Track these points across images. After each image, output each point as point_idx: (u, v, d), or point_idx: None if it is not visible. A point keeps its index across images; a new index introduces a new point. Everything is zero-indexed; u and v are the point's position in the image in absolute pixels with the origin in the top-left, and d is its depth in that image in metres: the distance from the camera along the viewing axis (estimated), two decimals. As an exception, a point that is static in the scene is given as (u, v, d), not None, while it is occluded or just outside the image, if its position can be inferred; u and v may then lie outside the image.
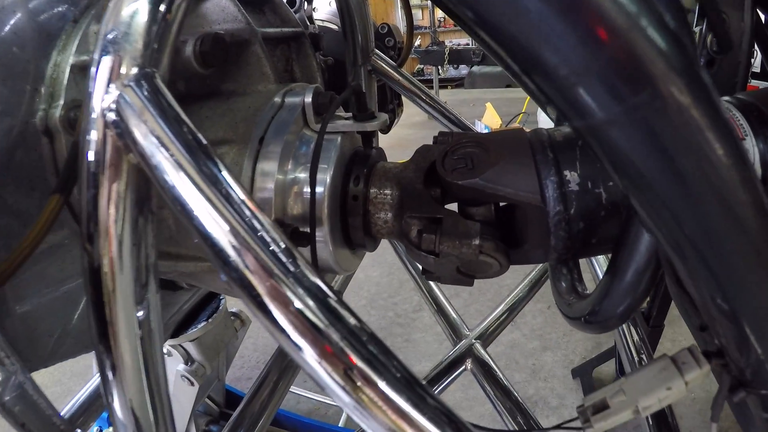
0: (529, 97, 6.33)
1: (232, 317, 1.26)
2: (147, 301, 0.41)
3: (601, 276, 1.03)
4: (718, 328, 0.37)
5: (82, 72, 0.60)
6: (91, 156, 0.37)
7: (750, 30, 1.38)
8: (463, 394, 2.11)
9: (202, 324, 1.09)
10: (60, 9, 0.64)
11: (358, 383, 0.31)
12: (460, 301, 2.61)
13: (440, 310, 1.04)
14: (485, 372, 0.89)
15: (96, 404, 1.02)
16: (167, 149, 0.32)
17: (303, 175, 0.56)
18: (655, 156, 0.23)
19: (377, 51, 0.97)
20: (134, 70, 0.35)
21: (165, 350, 1.23)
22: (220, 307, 1.15)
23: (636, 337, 0.96)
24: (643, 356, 1.04)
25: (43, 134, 0.60)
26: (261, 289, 0.30)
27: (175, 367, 1.21)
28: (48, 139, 0.60)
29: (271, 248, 0.30)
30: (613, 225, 0.57)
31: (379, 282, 2.88)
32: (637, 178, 0.26)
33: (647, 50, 0.19)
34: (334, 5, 1.73)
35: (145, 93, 0.34)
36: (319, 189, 0.55)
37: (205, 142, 0.34)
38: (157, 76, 0.36)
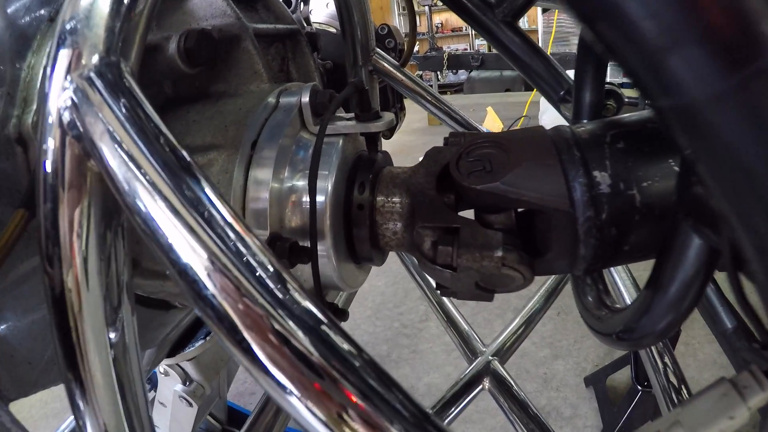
0: (529, 101, 6.29)
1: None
2: (120, 322, 0.35)
3: (622, 287, 0.97)
4: None
5: None
6: (48, 165, 0.31)
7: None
8: (474, 406, 2.04)
9: (200, 343, 1.03)
10: (38, 12, 0.59)
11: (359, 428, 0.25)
12: (467, 309, 2.54)
13: (453, 325, 0.98)
14: (504, 391, 0.83)
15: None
16: (130, 154, 0.25)
17: (301, 183, 0.50)
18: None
19: (378, 50, 0.91)
20: (95, 59, 0.29)
21: (162, 370, 1.17)
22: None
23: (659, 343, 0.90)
24: (667, 360, 0.97)
25: (17, 142, 0.54)
26: (241, 325, 0.24)
27: (172, 387, 1.15)
28: (21, 147, 0.54)
29: (257, 274, 0.24)
30: (648, 230, 0.51)
31: (384, 292, 2.82)
32: (739, 169, 0.20)
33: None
34: (331, 7, 1.68)
35: (107, 85, 0.28)
36: (319, 198, 0.49)
37: (179, 147, 0.28)
38: (123, 67, 0.30)
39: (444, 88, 9.95)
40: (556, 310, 2.55)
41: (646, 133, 0.54)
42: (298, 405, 0.23)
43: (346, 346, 0.26)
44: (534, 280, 0.55)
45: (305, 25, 1.28)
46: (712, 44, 0.15)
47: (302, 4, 1.34)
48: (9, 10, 0.58)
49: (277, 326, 0.25)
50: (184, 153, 0.28)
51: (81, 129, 0.27)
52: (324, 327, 0.26)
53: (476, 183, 0.47)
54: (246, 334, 0.24)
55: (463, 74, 9.52)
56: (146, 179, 0.25)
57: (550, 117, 5.22)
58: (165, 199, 0.24)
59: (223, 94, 0.61)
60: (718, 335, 1.15)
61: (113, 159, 0.26)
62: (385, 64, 0.90)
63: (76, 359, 0.34)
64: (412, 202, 0.51)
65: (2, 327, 0.58)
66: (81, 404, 0.35)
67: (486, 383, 0.85)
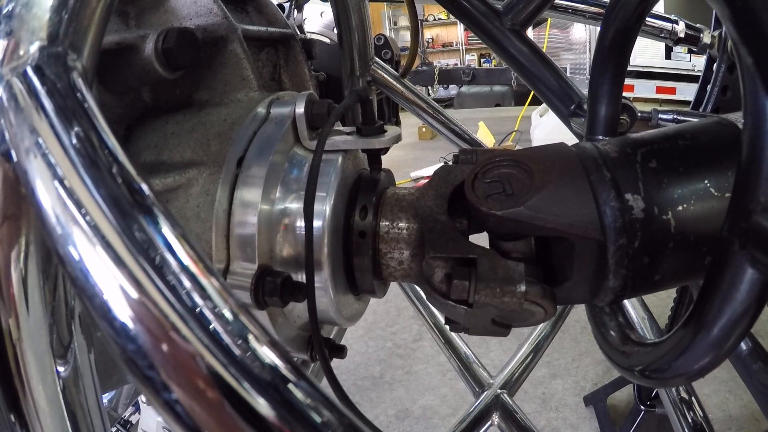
0: (521, 115, 6.29)
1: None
2: (72, 357, 0.28)
3: (633, 315, 0.91)
4: None
5: None
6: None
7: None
8: None
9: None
10: None
11: None
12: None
13: (456, 355, 0.91)
14: (515, 426, 0.76)
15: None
16: (64, 183, 0.19)
17: (295, 206, 0.44)
18: None
19: (377, 59, 0.86)
20: (33, 49, 0.22)
21: (144, 399, 1.09)
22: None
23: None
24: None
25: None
26: (190, 405, 0.17)
27: (156, 417, 1.07)
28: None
29: (211, 328, 0.18)
30: (681, 258, 0.45)
31: (376, 310, 2.74)
32: None
33: None
34: (326, 17, 1.63)
35: (46, 84, 0.21)
36: (316, 223, 0.43)
37: (135, 174, 0.21)
38: (71, 62, 0.23)
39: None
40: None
41: (679, 151, 0.48)
42: None
43: (319, 403, 0.20)
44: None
45: (299, 33, 1.22)
46: None
47: (296, 11, 1.29)
48: None
49: (234, 396, 0.18)
50: (142, 183, 0.21)
51: (8, 143, 0.21)
52: (292, 386, 0.19)
53: (496, 208, 0.41)
54: (194, 416, 0.17)
55: (453, 89, 9.54)
56: (85, 220, 0.18)
57: (542, 132, 5.21)
58: (106, 244, 0.18)
59: (206, 102, 0.55)
60: (733, 357, 1.09)
61: (43, 187, 0.19)
62: (385, 75, 0.85)
63: (19, 400, 0.27)
64: (420, 228, 0.45)
65: None
66: None
67: (495, 419, 0.78)
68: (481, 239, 0.48)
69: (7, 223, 0.24)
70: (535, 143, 5.02)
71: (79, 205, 0.18)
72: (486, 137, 5.16)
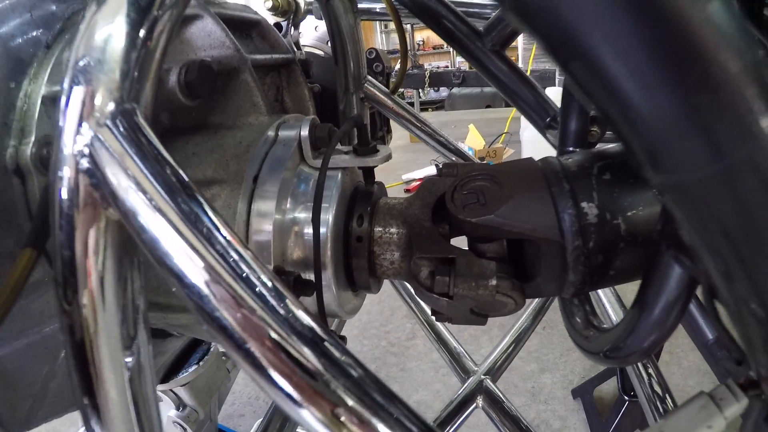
0: (511, 117, 6.40)
1: (223, 358, 1.20)
2: (137, 349, 0.36)
3: (608, 307, 1.00)
4: (755, 357, 0.33)
5: (54, 104, 0.55)
6: (64, 206, 0.32)
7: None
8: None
9: (193, 368, 1.03)
10: (33, 34, 0.59)
11: None
12: (454, 326, 2.56)
13: (444, 345, 0.99)
14: (497, 408, 0.85)
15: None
16: (154, 207, 0.27)
17: (303, 215, 0.52)
18: (742, 212, 0.20)
19: (369, 78, 0.94)
20: (111, 106, 0.30)
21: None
22: (212, 350, 1.09)
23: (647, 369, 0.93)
24: (651, 371, 1.00)
25: (14, 174, 0.54)
26: (250, 341, 0.25)
27: (166, 413, 1.14)
28: (19, 179, 0.54)
29: (270, 304, 0.26)
30: (631, 256, 0.54)
31: (370, 310, 2.82)
32: (714, 231, 0.22)
33: (760, 96, 0.16)
34: (320, 30, 1.71)
35: (125, 135, 0.29)
36: (321, 230, 0.51)
37: (197, 193, 0.29)
38: (138, 113, 0.31)
39: (425, 105, 10.06)
40: (542, 325, 2.58)
41: (631, 165, 0.57)
42: (308, 418, 0.25)
43: (353, 365, 0.28)
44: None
45: (296, 49, 1.30)
46: (713, 130, 0.17)
47: (292, 28, 1.36)
48: (0, 31, 0.57)
49: (282, 342, 0.26)
50: (202, 199, 0.30)
51: (98, 178, 0.29)
52: (328, 345, 0.28)
53: (471, 216, 0.49)
54: (257, 353, 0.25)
55: (444, 91, 9.65)
56: (170, 226, 0.26)
57: (531, 133, 5.32)
58: (189, 243, 0.26)
59: (221, 125, 0.63)
60: (700, 346, 1.18)
61: (136, 208, 0.27)
62: (376, 92, 0.93)
63: (93, 389, 0.35)
64: (408, 233, 0.53)
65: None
66: (96, 429, 0.36)
67: (479, 401, 0.87)
68: (461, 242, 0.56)
69: (92, 240, 0.32)
70: (524, 144, 5.12)
71: (154, 207, 0.26)
72: (476, 140, 5.26)
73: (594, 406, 2.11)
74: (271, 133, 0.57)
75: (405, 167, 5.25)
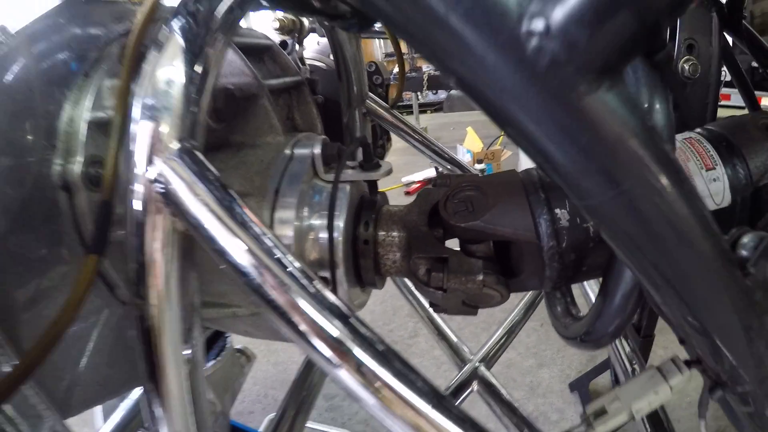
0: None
1: (237, 354, 1.29)
2: (193, 341, 0.45)
3: (593, 299, 1.09)
4: (693, 342, 0.42)
5: (99, 129, 0.62)
6: (137, 218, 0.41)
7: (718, 53, 1.48)
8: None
9: (212, 362, 1.12)
10: (67, 61, 0.65)
11: (389, 396, 0.36)
12: (454, 324, 2.65)
13: (442, 337, 1.08)
14: (491, 392, 0.94)
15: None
16: (215, 215, 0.36)
17: (318, 222, 0.61)
18: (637, 225, 0.29)
19: (371, 94, 1.03)
20: (176, 145, 0.39)
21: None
22: (227, 345, 1.18)
23: (628, 349, 1.02)
24: (636, 366, 1.09)
25: (61, 189, 0.61)
26: (302, 324, 0.35)
27: None
28: (66, 193, 0.61)
29: (310, 290, 0.36)
30: (601, 254, 0.62)
31: (374, 310, 2.90)
32: (623, 241, 0.31)
33: (635, 151, 0.24)
34: (322, 44, 1.81)
35: (190, 168, 0.38)
36: (335, 235, 0.60)
37: (245, 208, 0.39)
38: (196, 151, 0.40)
39: (424, 107, 10.15)
40: (539, 322, 2.67)
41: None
42: (345, 378, 0.35)
43: (374, 338, 0.38)
44: (511, 297, 0.66)
45: (301, 66, 1.39)
46: (603, 174, 0.25)
47: (297, 45, 1.46)
48: (38, 55, 0.62)
49: (326, 323, 0.36)
50: (248, 211, 0.39)
51: (170, 200, 0.38)
52: (353, 321, 0.38)
53: (461, 221, 0.58)
54: (306, 330, 0.35)
55: (442, 93, 9.74)
56: (229, 232, 0.36)
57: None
58: (244, 243, 0.35)
59: (242, 144, 0.72)
60: (676, 333, 1.26)
61: (204, 223, 0.36)
62: (377, 108, 1.02)
63: (156, 373, 0.44)
64: (408, 236, 0.62)
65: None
66: (158, 412, 0.45)
67: (475, 386, 0.96)
68: (454, 243, 0.65)
69: (160, 247, 0.41)
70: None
71: (217, 217, 0.36)
72: (474, 143, 5.34)
73: (589, 398, 2.19)
74: (287, 151, 0.66)
75: (405, 169, 5.34)
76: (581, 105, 0.22)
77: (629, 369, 1.09)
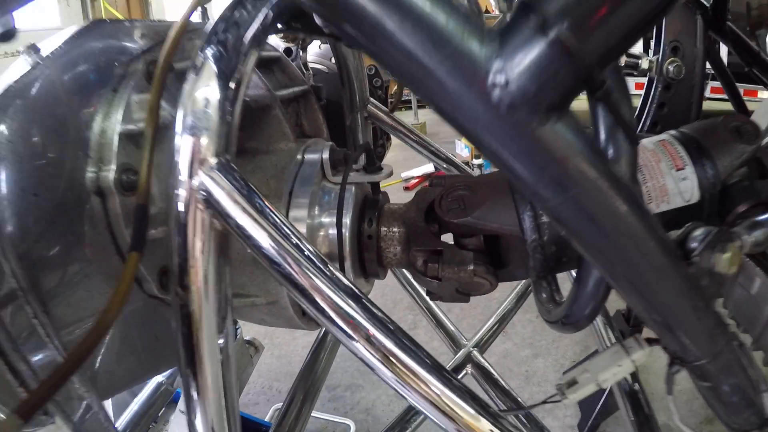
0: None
1: (247, 344, 1.37)
2: (226, 329, 0.53)
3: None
4: (649, 323, 0.50)
5: (129, 139, 0.68)
6: (180, 219, 0.49)
7: (703, 54, 1.55)
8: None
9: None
10: (96, 78, 0.70)
11: (396, 364, 0.44)
12: (453, 315, 2.73)
13: (439, 325, 1.17)
14: (484, 375, 1.02)
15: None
16: (251, 218, 0.44)
17: (327, 219, 0.69)
18: (584, 223, 0.36)
19: (372, 99, 1.10)
20: (215, 159, 0.47)
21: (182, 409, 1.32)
22: (238, 336, 1.26)
23: (613, 338, 1.10)
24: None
25: (95, 194, 0.67)
26: (329, 309, 0.43)
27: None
28: (100, 198, 0.68)
29: (329, 275, 0.44)
30: (579, 246, 0.70)
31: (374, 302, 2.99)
32: (577, 237, 0.39)
33: (578, 165, 0.32)
34: (323, 47, 1.88)
35: (227, 177, 0.46)
36: (342, 231, 0.68)
37: (275, 211, 0.47)
38: (232, 164, 0.48)
39: (423, 103, 10.22)
40: (535, 314, 2.75)
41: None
42: (362, 350, 0.43)
43: (378, 312, 0.46)
44: (504, 287, 0.74)
45: (305, 71, 1.46)
46: (555, 186, 0.33)
47: (301, 51, 1.53)
48: (66, 78, 0.68)
49: (341, 301, 0.44)
50: (276, 212, 0.47)
51: (212, 205, 0.46)
52: (365, 301, 0.46)
53: (454, 218, 0.66)
54: (334, 316, 0.43)
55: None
56: (264, 230, 0.44)
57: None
58: (276, 242, 0.43)
59: (257, 150, 0.79)
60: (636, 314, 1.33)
61: (242, 223, 0.44)
62: (378, 112, 1.09)
63: (195, 359, 0.52)
64: (407, 231, 0.70)
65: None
66: (194, 395, 0.53)
67: (469, 369, 1.04)
68: (448, 237, 0.73)
69: (200, 244, 0.49)
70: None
71: (251, 218, 0.43)
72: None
73: (583, 387, 2.28)
74: (299, 156, 0.74)
75: (404, 165, 5.41)
76: (535, 135, 0.30)
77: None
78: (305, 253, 0.45)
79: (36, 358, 0.60)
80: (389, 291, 3.00)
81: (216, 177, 0.46)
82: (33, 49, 0.69)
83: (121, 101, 0.71)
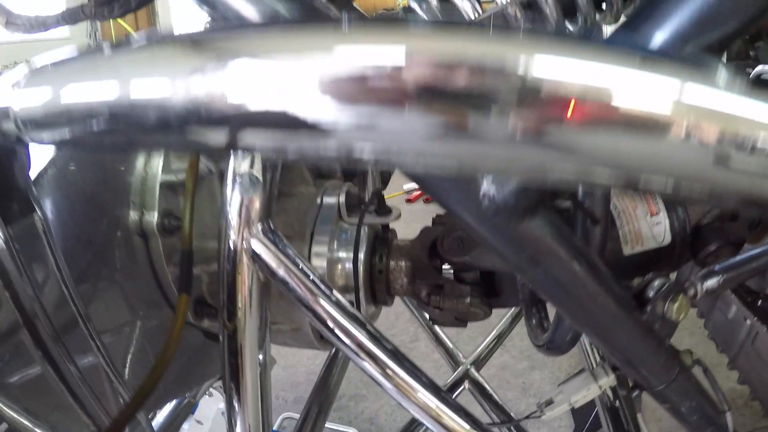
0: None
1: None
2: (264, 348, 0.64)
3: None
4: (613, 359, 0.61)
5: (170, 188, 0.77)
6: (229, 266, 0.60)
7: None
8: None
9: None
10: None
11: (398, 381, 0.55)
12: (452, 330, 2.83)
13: (439, 342, 1.28)
14: (481, 391, 1.13)
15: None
16: (290, 272, 0.55)
17: (344, 255, 0.80)
18: (555, 287, 0.47)
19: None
20: (260, 226, 0.58)
21: (207, 391, 1.42)
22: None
23: (598, 357, 1.20)
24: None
25: (138, 236, 0.76)
26: (349, 340, 0.54)
27: (215, 406, 1.40)
28: (142, 239, 0.76)
29: (348, 312, 0.55)
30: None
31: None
32: (550, 297, 0.50)
33: (548, 244, 0.43)
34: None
35: (272, 240, 0.57)
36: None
37: (303, 261, 0.58)
38: (273, 228, 0.59)
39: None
40: (532, 327, 2.84)
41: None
42: (365, 366, 0.54)
43: (380, 336, 0.57)
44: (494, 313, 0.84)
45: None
46: (528, 260, 0.44)
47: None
48: None
49: (348, 324, 0.55)
50: (305, 262, 0.58)
51: (255, 256, 0.57)
52: (370, 327, 0.56)
53: (453, 257, 0.77)
54: (352, 345, 0.54)
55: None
56: (300, 281, 0.55)
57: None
58: (308, 288, 0.54)
59: (281, 192, 0.89)
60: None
61: (283, 276, 0.55)
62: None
63: (238, 373, 0.62)
64: (413, 266, 0.81)
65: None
66: (236, 406, 0.63)
67: (466, 385, 1.14)
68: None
69: (246, 289, 0.59)
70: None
71: (291, 272, 0.54)
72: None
73: (577, 398, 2.37)
74: (318, 200, 0.85)
75: (406, 178, 5.54)
76: (514, 230, 0.41)
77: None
78: (327, 293, 0.56)
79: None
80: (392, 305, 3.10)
81: (262, 239, 0.57)
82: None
83: (160, 152, 0.81)
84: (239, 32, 0.27)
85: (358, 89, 0.22)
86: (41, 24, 0.93)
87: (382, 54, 0.21)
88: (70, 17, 0.89)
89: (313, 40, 0.23)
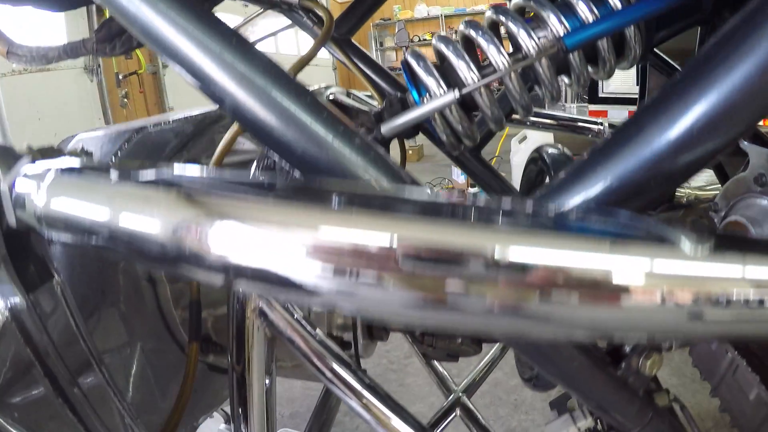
0: (501, 141, 6.75)
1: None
2: (272, 373, 0.68)
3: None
4: (590, 408, 0.66)
5: None
6: (238, 319, 0.65)
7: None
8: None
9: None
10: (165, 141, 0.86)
11: (382, 419, 0.60)
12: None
13: (431, 369, 1.33)
14: (471, 418, 1.18)
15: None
16: (293, 328, 0.60)
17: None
18: (538, 356, 0.53)
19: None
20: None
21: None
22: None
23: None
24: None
25: (146, 281, 0.82)
26: (330, 374, 0.60)
27: (215, 427, 1.44)
28: (151, 285, 0.83)
29: (342, 360, 0.60)
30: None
31: (372, 329, 3.13)
32: (534, 362, 0.55)
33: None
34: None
35: (278, 311, 0.62)
36: (355, 309, 0.84)
37: (303, 321, 0.63)
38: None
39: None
40: (524, 343, 2.89)
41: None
42: (353, 404, 0.59)
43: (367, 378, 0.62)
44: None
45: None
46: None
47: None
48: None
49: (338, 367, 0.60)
50: (307, 326, 0.63)
51: (265, 318, 0.62)
52: (365, 377, 0.62)
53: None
54: (345, 391, 0.59)
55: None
56: (301, 336, 0.60)
57: (520, 158, 5.65)
58: (307, 342, 0.60)
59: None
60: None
61: (284, 330, 0.61)
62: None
63: (246, 401, 0.67)
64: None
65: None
66: (242, 428, 0.68)
67: (458, 412, 1.20)
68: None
69: (253, 342, 0.64)
70: (515, 168, 5.46)
71: (296, 331, 0.60)
72: (468, 164, 5.58)
73: (568, 416, 2.42)
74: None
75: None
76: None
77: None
78: (322, 345, 0.61)
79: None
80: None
81: (268, 309, 0.62)
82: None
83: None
84: (238, 196, 0.30)
85: (345, 263, 0.25)
86: (42, 56, 0.94)
87: (367, 239, 0.25)
88: (72, 51, 0.91)
89: (304, 216, 0.27)
